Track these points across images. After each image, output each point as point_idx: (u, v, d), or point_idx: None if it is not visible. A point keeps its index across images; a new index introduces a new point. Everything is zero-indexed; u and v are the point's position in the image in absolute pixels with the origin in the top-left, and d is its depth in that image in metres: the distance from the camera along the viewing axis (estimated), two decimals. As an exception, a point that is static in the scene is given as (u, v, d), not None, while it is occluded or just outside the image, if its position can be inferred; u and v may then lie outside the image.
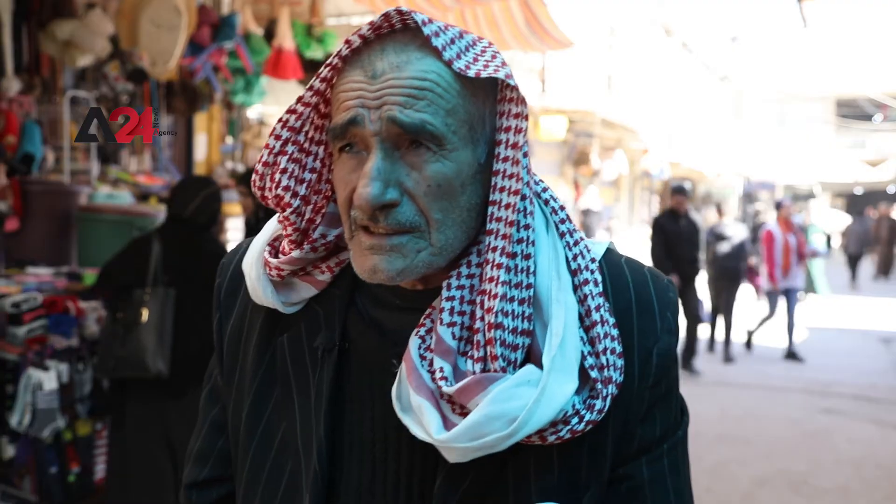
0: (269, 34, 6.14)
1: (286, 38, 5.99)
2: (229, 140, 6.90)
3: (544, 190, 1.00)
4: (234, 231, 6.01)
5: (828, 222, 18.11)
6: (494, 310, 0.88)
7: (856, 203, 27.61)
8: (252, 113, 7.63)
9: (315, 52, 6.27)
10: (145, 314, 3.51)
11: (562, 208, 1.00)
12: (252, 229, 3.97)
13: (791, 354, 9.47)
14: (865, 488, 5.27)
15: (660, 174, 17.38)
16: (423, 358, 0.92)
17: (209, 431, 1.15)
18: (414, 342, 0.94)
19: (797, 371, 8.93)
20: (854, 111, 25.30)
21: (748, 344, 9.93)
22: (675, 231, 8.36)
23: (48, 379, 3.57)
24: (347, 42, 0.91)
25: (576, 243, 0.97)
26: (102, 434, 3.96)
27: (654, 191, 20.88)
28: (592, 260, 0.97)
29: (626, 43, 14.72)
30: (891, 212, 20.24)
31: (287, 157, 0.97)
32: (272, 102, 7.76)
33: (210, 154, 6.56)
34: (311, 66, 6.32)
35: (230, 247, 5.63)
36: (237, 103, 6.56)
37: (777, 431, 6.31)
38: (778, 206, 10.30)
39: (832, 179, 25.56)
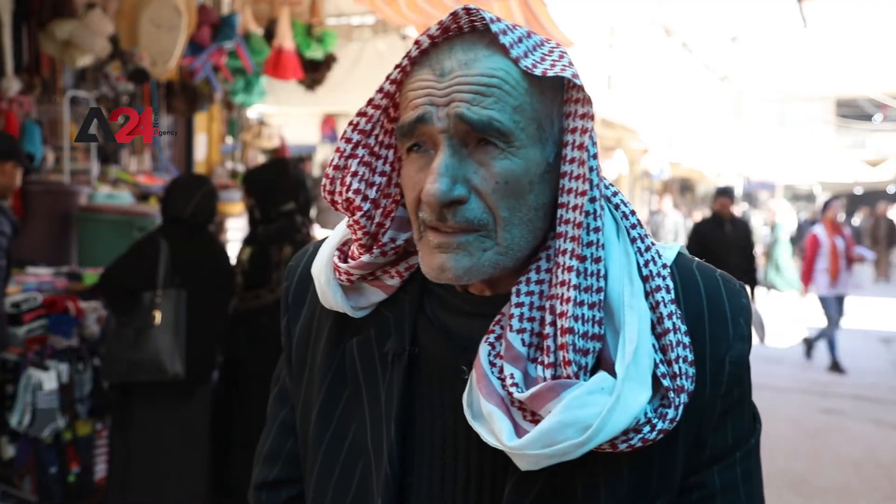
0: (269, 34, 6.14)
1: (286, 38, 5.99)
2: (229, 140, 6.89)
3: (614, 194, 1.00)
4: (234, 231, 6.01)
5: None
6: (567, 314, 0.88)
7: (856, 203, 27.60)
8: (252, 113, 7.63)
9: (315, 52, 6.27)
10: (158, 317, 3.51)
11: (632, 213, 0.98)
12: (255, 222, 3.99)
13: (835, 365, 8.79)
14: (865, 488, 5.27)
15: (660, 174, 17.37)
16: (492, 365, 0.92)
17: (278, 432, 1.15)
18: (484, 349, 0.93)
19: (797, 371, 8.93)
20: (854, 111, 25.31)
21: (808, 353, 9.34)
22: (719, 238, 7.60)
23: (48, 379, 3.57)
24: (416, 43, 0.91)
25: (647, 249, 0.96)
26: (102, 434, 3.96)
27: (654, 191, 20.88)
28: (664, 266, 0.96)
29: (626, 43, 14.71)
30: (887, 212, 20.24)
31: (357, 160, 0.97)
32: (272, 102, 7.76)
33: (210, 154, 6.56)
34: (311, 66, 6.32)
35: (229, 247, 5.63)
36: (237, 103, 6.56)
37: (777, 431, 6.29)
38: (825, 206, 9.46)
39: (832, 179, 25.55)
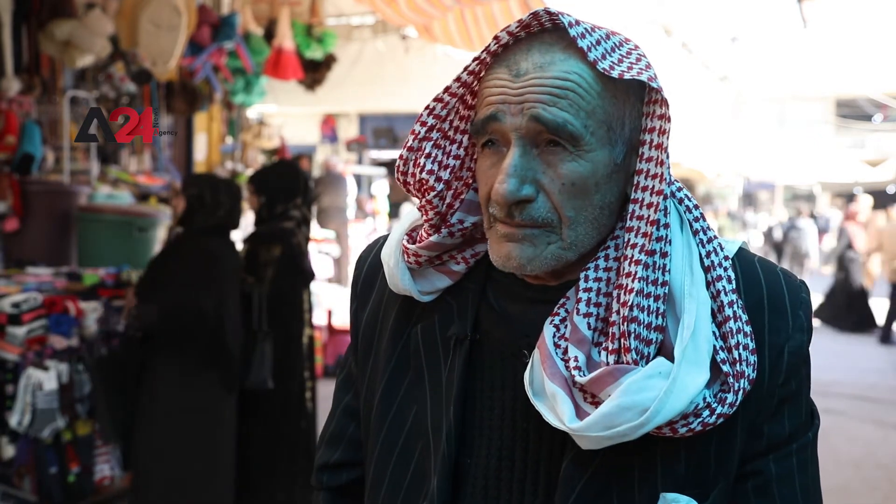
0: (269, 34, 6.14)
1: (286, 38, 5.99)
2: (229, 140, 6.89)
3: (679, 189, 1.02)
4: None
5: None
6: (630, 304, 0.90)
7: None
8: (252, 113, 7.62)
9: (315, 52, 6.28)
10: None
11: (696, 207, 1.01)
12: (261, 221, 4.00)
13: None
14: (865, 488, 5.27)
15: (660, 174, 17.35)
16: (557, 346, 0.95)
17: (342, 416, 1.19)
18: (548, 330, 0.96)
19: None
20: (854, 111, 25.28)
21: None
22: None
23: (48, 379, 3.57)
24: (496, 38, 0.94)
25: (709, 241, 0.98)
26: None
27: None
28: (726, 258, 0.98)
29: (625, 43, 14.67)
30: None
31: (431, 143, 1.01)
32: (272, 102, 7.76)
33: (210, 154, 6.55)
34: (311, 66, 6.32)
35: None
36: (237, 103, 6.56)
37: (777, 431, 6.30)
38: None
39: (832, 179, 25.55)
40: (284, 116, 9.85)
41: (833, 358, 9.74)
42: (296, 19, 6.24)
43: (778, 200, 29.41)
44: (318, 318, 6.71)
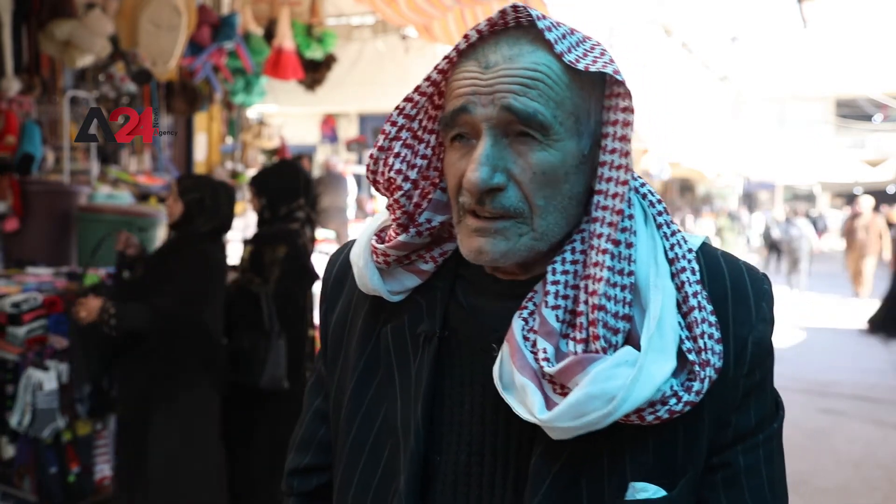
0: (269, 34, 6.14)
1: (286, 38, 5.99)
2: (229, 140, 6.90)
3: (642, 185, 1.03)
4: (233, 231, 6.00)
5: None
6: (598, 293, 0.92)
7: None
8: (252, 113, 7.62)
9: (315, 52, 6.28)
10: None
11: (659, 202, 1.03)
12: (263, 223, 4.01)
13: None
14: (865, 488, 5.27)
15: (660, 174, 17.36)
16: (526, 339, 0.95)
17: (311, 420, 1.20)
18: (517, 323, 0.96)
19: (797, 371, 8.93)
20: (854, 111, 25.28)
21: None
22: None
23: (48, 379, 3.57)
24: (465, 37, 0.95)
25: (673, 234, 1.00)
26: (103, 434, 3.95)
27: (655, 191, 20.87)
28: (690, 250, 1.00)
29: (625, 43, 14.71)
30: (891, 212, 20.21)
31: (401, 142, 1.02)
32: (272, 102, 7.76)
33: (210, 154, 6.56)
34: (311, 66, 6.32)
35: (229, 246, 5.64)
36: (237, 103, 6.56)
37: (777, 431, 6.30)
38: None
39: (832, 179, 25.55)
40: (284, 116, 9.85)
41: (833, 358, 9.74)
42: (296, 19, 6.24)
43: (778, 200, 29.41)
44: (318, 319, 6.70)
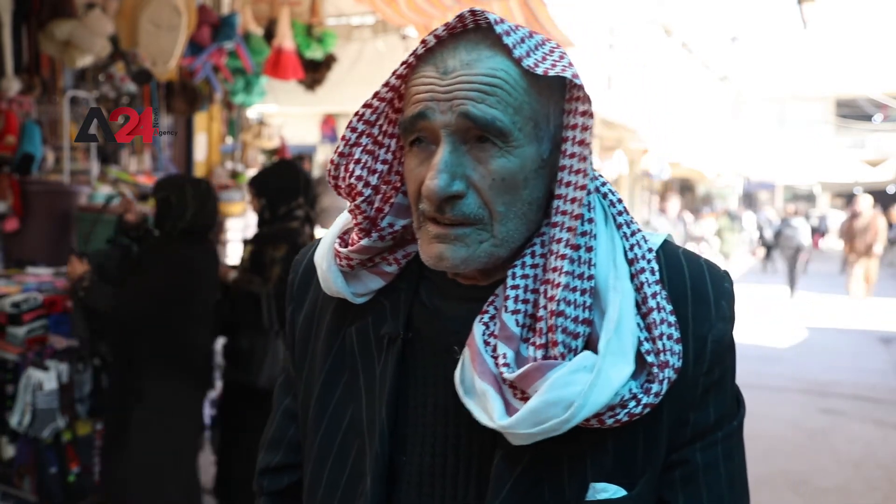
0: (269, 34, 6.14)
1: (286, 38, 5.98)
2: (229, 140, 6.89)
3: (603, 184, 1.03)
4: (233, 231, 6.01)
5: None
6: (557, 298, 0.92)
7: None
8: (252, 113, 7.62)
9: (315, 52, 6.27)
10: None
11: (619, 201, 1.03)
12: (264, 223, 4.01)
13: None
14: (865, 488, 5.27)
15: (660, 174, 17.37)
16: (486, 344, 0.96)
17: (281, 419, 1.21)
18: (478, 328, 0.97)
19: (797, 371, 8.93)
20: (854, 111, 25.28)
21: None
22: None
23: (48, 379, 3.57)
24: (423, 42, 0.95)
25: (633, 234, 1.00)
26: (102, 434, 3.96)
27: (654, 191, 20.87)
28: (649, 250, 1.00)
29: (625, 43, 14.70)
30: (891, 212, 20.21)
31: (361, 148, 1.02)
32: (272, 102, 7.76)
33: (210, 154, 6.55)
34: (311, 66, 6.32)
35: (229, 247, 5.63)
36: (237, 103, 6.55)
37: (777, 431, 6.30)
38: None
39: (832, 179, 25.55)
40: (284, 116, 9.84)
41: (833, 358, 9.74)
42: (296, 19, 6.24)
43: (778, 200, 29.41)
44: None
